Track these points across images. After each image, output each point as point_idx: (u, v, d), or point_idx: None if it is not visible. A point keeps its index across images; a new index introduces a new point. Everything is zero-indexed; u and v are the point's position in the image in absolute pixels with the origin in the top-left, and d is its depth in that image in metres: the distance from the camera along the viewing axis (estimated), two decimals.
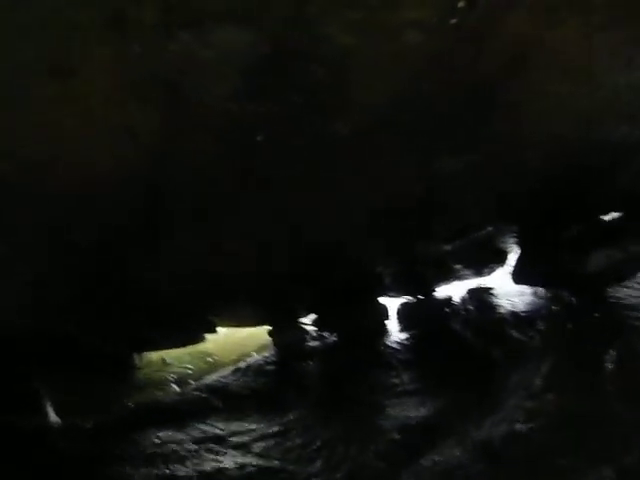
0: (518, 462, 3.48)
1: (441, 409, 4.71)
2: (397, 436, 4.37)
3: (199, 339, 6.89)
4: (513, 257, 7.17)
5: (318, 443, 4.47)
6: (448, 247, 5.95)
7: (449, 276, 7.25)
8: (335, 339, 7.02)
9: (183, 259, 3.95)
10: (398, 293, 7.58)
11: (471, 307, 6.98)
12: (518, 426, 3.87)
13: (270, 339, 7.13)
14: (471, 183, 3.78)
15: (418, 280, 7.12)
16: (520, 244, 6.62)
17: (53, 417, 5.41)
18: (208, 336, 7.23)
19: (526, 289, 6.85)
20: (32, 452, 4.89)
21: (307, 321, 7.44)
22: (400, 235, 4.81)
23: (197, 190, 3.14)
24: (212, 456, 4.45)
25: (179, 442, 4.76)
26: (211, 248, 3.95)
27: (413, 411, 4.78)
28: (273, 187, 3.33)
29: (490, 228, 5.49)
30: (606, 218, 6.13)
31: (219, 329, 7.64)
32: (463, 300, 7.23)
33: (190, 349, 7.37)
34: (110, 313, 4.70)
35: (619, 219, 6.03)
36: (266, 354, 6.79)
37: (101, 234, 3.38)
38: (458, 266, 6.88)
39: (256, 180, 3.18)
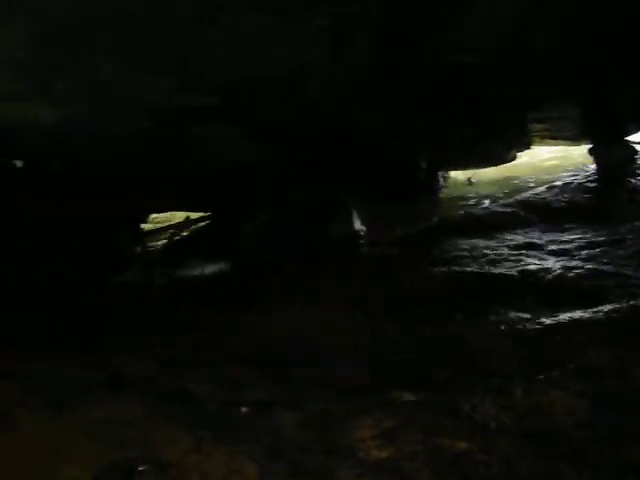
0: None
1: None
2: None
3: (509, 157, 6.23)
4: None
5: None
6: None
7: None
8: None
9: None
10: None
11: None
12: None
13: (590, 159, 6.11)
14: None
15: None
16: None
17: (358, 226, 5.53)
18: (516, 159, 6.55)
19: None
20: (338, 253, 5.10)
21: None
22: None
23: None
24: (530, 259, 3.98)
25: (491, 248, 4.39)
26: None
27: None
28: None
29: None
30: None
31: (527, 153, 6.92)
32: None
33: (495, 172, 6.81)
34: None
35: None
36: (587, 173, 5.81)
37: None
38: None
39: None
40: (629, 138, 6.20)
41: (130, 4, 2.58)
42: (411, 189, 5.83)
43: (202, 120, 4.21)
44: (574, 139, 6.16)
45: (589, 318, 2.88)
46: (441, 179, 6.80)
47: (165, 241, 7.62)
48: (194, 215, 7.61)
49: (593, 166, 5.98)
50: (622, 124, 6.08)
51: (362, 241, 5.37)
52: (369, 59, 3.50)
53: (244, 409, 2.39)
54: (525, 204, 5.26)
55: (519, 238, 4.53)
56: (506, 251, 4.24)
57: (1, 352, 3.40)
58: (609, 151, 5.94)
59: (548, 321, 2.92)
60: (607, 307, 2.98)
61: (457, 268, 4.07)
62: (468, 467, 1.79)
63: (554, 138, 6.11)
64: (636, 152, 6.09)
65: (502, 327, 2.96)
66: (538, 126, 5.51)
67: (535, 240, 4.39)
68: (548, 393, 2.16)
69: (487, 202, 5.87)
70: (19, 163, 5.76)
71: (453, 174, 6.96)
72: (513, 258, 4.05)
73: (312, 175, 5.56)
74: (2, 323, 4.09)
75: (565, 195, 5.29)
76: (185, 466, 1.95)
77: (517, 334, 2.83)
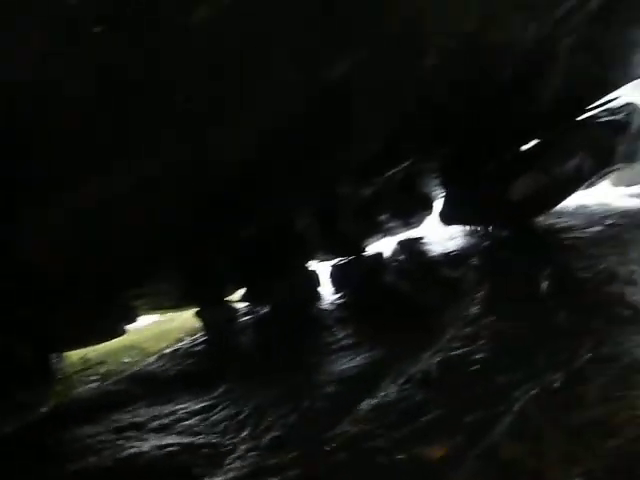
0: (457, 385, 3.20)
1: (378, 357, 4.44)
2: (331, 389, 4.05)
3: (120, 332, 6.31)
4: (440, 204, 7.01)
5: (246, 412, 4.09)
6: (368, 191, 5.65)
7: (376, 230, 6.97)
8: (267, 311, 6.64)
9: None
10: (327, 256, 7.29)
11: (403, 257, 6.74)
12: (456, 353, 3.62)
13: (199, 321, 6.70)
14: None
15: (344, 238, 6.81)
16: (443, 184, 6.40)
17: None
18: (131, 328, 6.70)
19: (457, 232, 6.68)
20: None
21: (236, 297, 7.08)
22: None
23: None
24: (130, 443, 3.97)
25: (96, 435, 4.25)
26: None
27: (348, 364, 4.49)
28: None
29: (406, 163, 5.18)
30: (523, 148, 6.02)
31: (147, 320, 7.16)
32: (394, 252, 7.01)
33: (114, 344, 6.79)
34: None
35: (535, 146, 5.93)
36: (195, 336, 6.31)
37: None
38: (384, 217, 6.62)
39: None
40: (230, 298, 7.08)
41: None
42: (21, 381, 5.31)
43: None
44: (177, 307, 6.71)
45: None
46: (56, 362, 6.42)
47: None
48: None
49: (201, 327, 6.58)
50: (224, 287, 6.91)
51: None
52: None
53: None
54: (134, 379, 5.35)
55: (125, 418, 4.50)
56: (109, 437, 4.14)
57: None
58: (210, 312, 6.63)
59: None
60: None
61: (59, 469, 3.79)
62: None
63: (157, 308, 6.53)
64: (235, 310, 6.96)
65: None
66: (140, 301, 5.79)
67: (138, 419, 4.42)
68: None
69: (100, 381, 5.75)
70: None
71: (69, 353, 6.66)
72: (114, 444, 3.98)
73: None
74: None
75: (173, 363, 5.59)
76: None
77: None
